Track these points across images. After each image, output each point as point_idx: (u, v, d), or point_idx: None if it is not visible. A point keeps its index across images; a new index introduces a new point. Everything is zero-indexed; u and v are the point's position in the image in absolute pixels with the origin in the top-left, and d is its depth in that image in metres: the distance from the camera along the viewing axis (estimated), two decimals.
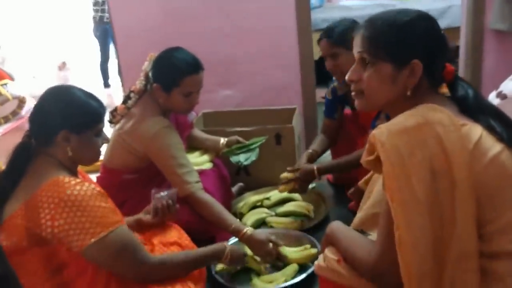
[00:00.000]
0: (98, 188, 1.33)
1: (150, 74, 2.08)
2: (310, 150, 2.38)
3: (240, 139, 2.59)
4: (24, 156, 1.35)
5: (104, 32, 6.27)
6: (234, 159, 2.53)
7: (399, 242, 0.99)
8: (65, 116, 1.35)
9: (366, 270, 1.13)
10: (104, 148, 1.82)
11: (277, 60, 3.11)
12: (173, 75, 1.99)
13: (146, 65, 2.08)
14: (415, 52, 1.11)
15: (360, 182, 1.51)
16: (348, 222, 1.37)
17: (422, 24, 1.13)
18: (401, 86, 1.13)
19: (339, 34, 2.05)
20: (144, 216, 1.78)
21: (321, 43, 2.17)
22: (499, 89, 1.94)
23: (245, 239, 1.87)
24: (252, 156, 2.56)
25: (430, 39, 1.13)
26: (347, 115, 2.50)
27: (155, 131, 1.97)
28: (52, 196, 1.25)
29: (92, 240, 1.25)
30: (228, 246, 1.67)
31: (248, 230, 1.88)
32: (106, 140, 1.49)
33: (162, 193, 1.74)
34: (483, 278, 1.02)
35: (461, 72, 3.12)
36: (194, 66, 2.02)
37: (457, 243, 0.99)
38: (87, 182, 1.31)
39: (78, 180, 1.29)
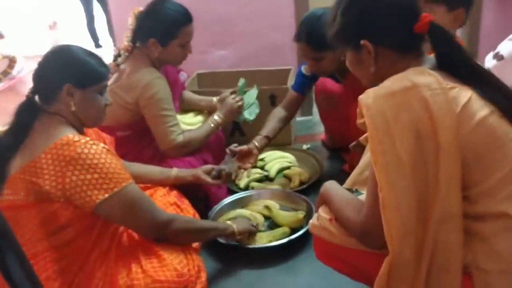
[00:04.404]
0: (107, 147, 1.37)
1: (136, 30, 2.04)
2: (262, 136, 2.23)
3: (232, 90, 2.53)
4: (28, 113, 1.36)
5: None
6: (239, 119, 2.42)
7: (383, 204, 1.01)
8: (69, 71, 1.37)
9: (355, 229, 1.16)
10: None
11: (272, 20, 3.06)
12: (170, 27, 2.00)
13: (131, 22, 2.04)
14: (359, 34, 1.14)
15: (361, 138, 1.51)
16: (341, 183, 1.38)
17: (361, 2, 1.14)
18: (369, 64, 1.16)
19: (320, 39, 1.67)
20: (203, 174, 1.90)
21: (300, 45, 2.02)
22: (496, 50, 1.92)
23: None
24: (255, 109, 2.50)
25: (366, 17, 1.14)
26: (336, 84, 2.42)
27: (148, 81, 1.99)
28: (63, 155, 1.28)
29: (106, 195, 1.30)
30: (235, 228, 1.74)
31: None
32: (109, 102, 1.49)
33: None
34: (467, 239, 1.05)
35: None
36: (188, 16, 2.05)
37: (441, 204, 1.01)
38: (96, 141, 1.34)
39: (87, 139, 1.32)
